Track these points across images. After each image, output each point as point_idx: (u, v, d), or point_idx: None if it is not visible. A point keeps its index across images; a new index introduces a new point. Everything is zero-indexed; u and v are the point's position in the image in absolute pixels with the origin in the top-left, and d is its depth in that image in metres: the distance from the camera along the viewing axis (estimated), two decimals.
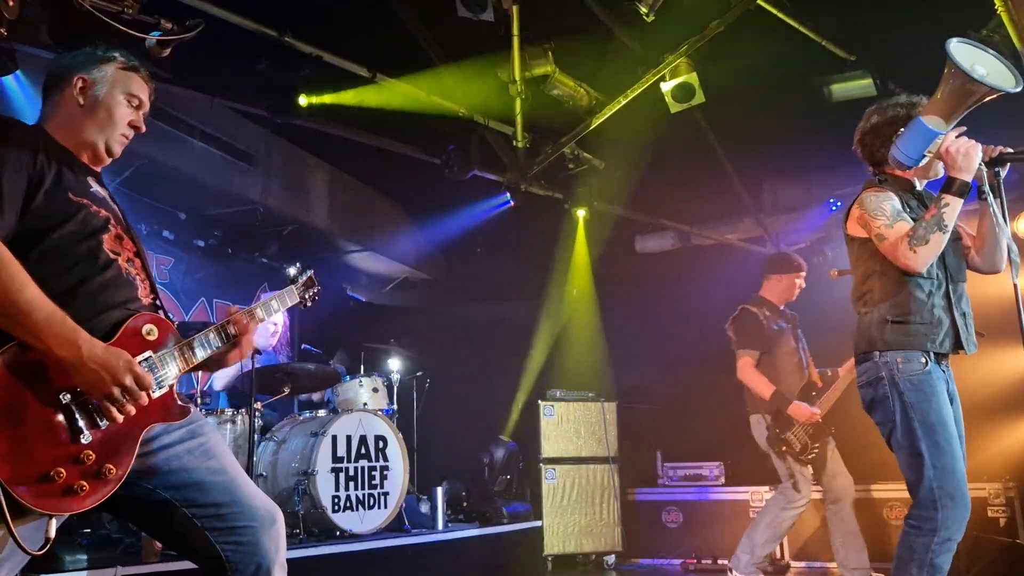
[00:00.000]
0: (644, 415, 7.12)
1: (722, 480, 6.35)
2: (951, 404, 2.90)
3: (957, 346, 2.90)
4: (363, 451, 5.06)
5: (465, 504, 6.34)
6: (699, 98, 5.74)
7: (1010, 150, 2.80)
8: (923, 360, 2.84)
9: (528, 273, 8.10)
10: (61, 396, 1.75)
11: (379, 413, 5.31)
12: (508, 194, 6.75)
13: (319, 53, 5.21)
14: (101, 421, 1.80)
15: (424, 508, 5.57)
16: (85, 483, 1.75)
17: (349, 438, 5.00)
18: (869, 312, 2.98)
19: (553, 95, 6.00)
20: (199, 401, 4.88)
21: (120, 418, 1.82)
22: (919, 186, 3.09)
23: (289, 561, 3.47)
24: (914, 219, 2.89)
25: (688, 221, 7.81)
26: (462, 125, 6.31)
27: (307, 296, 2.59)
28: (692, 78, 5.67)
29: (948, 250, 2.91)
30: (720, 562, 5.89)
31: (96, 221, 1.96)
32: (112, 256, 1.97)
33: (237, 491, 2.03)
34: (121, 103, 2.09)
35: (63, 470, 1.72)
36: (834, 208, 7.14)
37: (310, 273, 2.61)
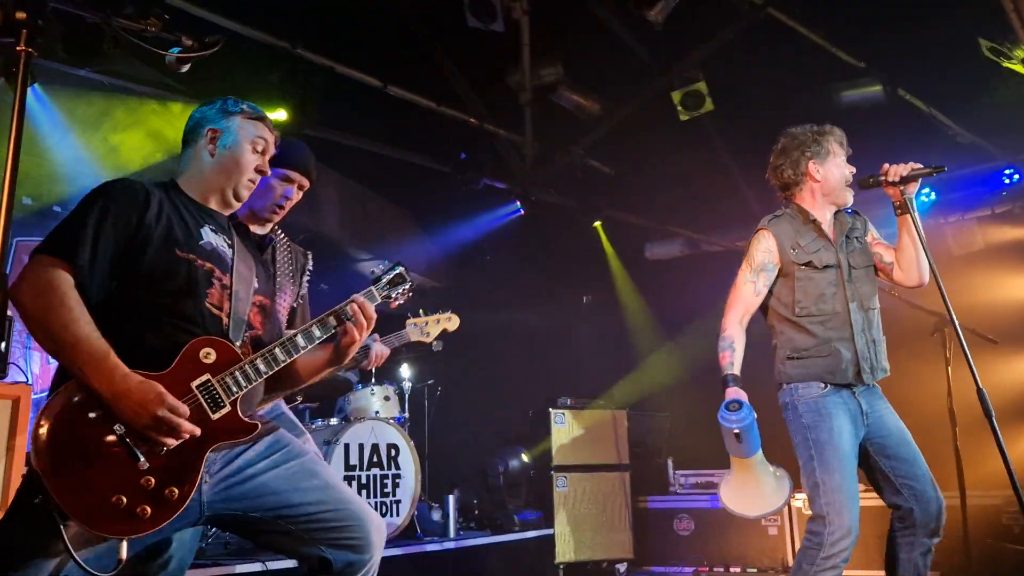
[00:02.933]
0: (655, 422, 7.12)
1: None
2: (877, 421, 3.05)
3: (860, 375, 3.04)
4: (375, 459, 5.08)
5: (476, 512, 6.34)
6: (708, 106, 5.76)
7: (919, 166, 2.91)
8: (822, 386, 3.04)
9: (538, 281, 8.11)
10: (116, 427, 1.83)
11: (391, 421, 5.33)
12: (518, 202, 6.78)
13: (331, 64, 5.25)
14: (158, 448, 1.86)
15: (436, 516, 5.58)
16: (148, 507, 1.83)
17: (361, 446, 5.02)
18: (776, 347, 3.19)
19: (562, 103, 6.02)
20: None
21: (171, 443, 1.87)
22: (822, 216, 3.20)
23: (300, 569, 3.46)
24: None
25: (697, 228, 7.82)
26: (472, 134, 6.34)
27: (394, 295, 2.40)
28: (701, 86, 5.69)
29: (856, 278, 3.10)
30: (732, 570, 5.88)
31: (201, 275, 2.04)
32: (215, 312, 2.05)
33: (332, 497, 2.08)
34: (247, 151, 2.21)
35: (124, 497, 1.81)
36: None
37: (400, 270, 2.41)
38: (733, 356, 3.08)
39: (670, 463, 6.59)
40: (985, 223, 6.55)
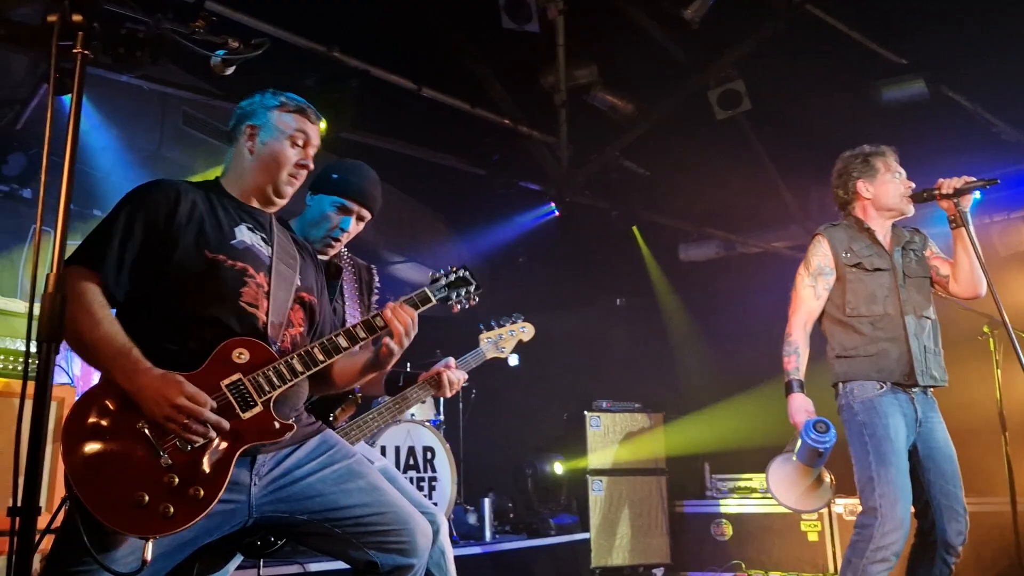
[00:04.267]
0: (691, 426, 7.05)
1: None
2: (928, 431, 3.08)
3: (911, 376, 3.06)
4: (411, 462, 5.08)
5: (512, 515, 6.32)
6: (745, 105, 5.69)
7: (972, 179, 2.98)
8: (878, 386, 3.08)
9: (573, 283, 8.07)
10: (140, 423, 1.83)
11: (427, 424, 5.33)
12: (553, 204, 6.75)
13: (366, 67, 5.26)
14: (185, 446, 1.84)
15: (472, 519, 5.57)
16: (171, 506, 1.79)
17: (398, 449, 5.03)
18: (829, 348, 3.28)
19: (597, 105, 5.99)
20: None
21: (195, 438, 1.84)
22: (878, 226, 3.28)
23: (336, 572, 3.48)
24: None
25: (733, 229, 7.73)
26: (506, 136, 6.32)
27: (455, 297, 2.32)
28: (738, 85, 5.63)
29: (909, 286, 3.16)
30: (771, 575, 5.79)
31: (231, 275, 2.02)
32: (250, 311, 2.02)
33: (378, 500, 2.07)
34: (285, 146, 2.17)
35: (145, 494, 1.78)
36: None
37: (464, 273, 2.34)
38: (798, 361, 3.19)
39: (706, 467, 6.52)
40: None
